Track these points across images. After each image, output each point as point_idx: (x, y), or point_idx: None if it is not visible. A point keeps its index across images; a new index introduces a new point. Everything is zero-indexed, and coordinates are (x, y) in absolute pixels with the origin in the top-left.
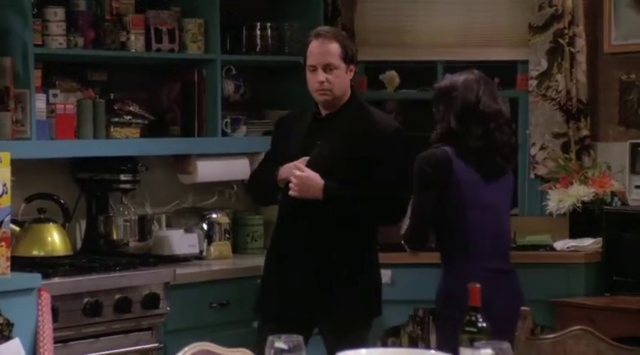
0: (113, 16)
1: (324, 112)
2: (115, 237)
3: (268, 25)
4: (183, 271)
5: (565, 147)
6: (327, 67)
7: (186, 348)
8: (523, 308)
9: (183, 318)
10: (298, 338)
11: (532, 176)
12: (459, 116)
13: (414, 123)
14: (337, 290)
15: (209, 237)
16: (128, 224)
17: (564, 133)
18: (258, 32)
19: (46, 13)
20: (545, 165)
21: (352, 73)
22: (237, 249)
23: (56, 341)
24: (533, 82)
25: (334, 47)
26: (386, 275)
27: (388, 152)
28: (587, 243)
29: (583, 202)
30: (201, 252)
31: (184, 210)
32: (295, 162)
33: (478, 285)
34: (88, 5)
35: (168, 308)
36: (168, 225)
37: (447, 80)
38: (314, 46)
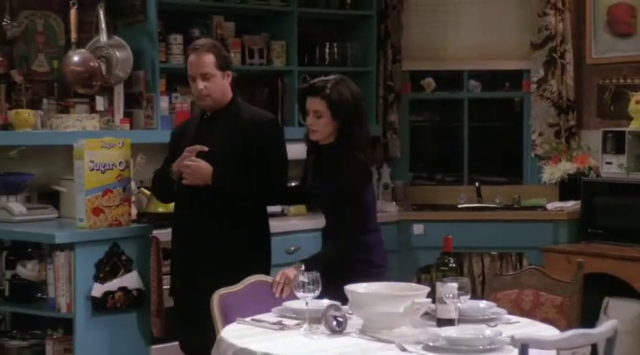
0: (218, 40)
1: (209, 113)
2: None
3: (335, 44)
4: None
5: (557, 134)
6: (203, 77)
7: (247, 278)
8: (492, 252)
9: None
10: (316, 274)
11: (532, 155)
12: None
13: (447, 116)
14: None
15: None
16: None
17: (557, 123)
18: (327, 50)
19: (169, 39)
20: (542, 147)
21: (230, 78)
22: (308, 208)
23: (163, 274)
24: (534, 86)
25: (209, 58)
26: (419, 228)
27: (264, 139)
28: (570, 204)
29: (569, 174)
30: (282, 210)
31: None
32: (184, 153)
33: (451, 236)
34: (200, 32)
35: None
36: None
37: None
38: (191, 58)
